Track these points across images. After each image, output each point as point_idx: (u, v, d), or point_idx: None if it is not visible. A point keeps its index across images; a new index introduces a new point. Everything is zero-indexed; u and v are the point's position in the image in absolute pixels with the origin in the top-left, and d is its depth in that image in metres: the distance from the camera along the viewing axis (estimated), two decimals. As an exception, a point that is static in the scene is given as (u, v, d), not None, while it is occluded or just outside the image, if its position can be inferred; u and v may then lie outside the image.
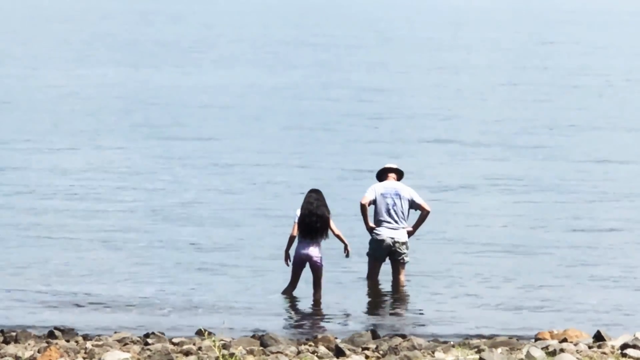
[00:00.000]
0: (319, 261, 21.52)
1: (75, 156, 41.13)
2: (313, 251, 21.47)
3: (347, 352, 17.41)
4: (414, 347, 17.77)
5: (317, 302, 21.56)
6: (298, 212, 21.72)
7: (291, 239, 21.70)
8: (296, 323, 20.86)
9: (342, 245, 22.06)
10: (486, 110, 58.61)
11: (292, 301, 22.10)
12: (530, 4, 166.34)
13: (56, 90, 61.97)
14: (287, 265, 21.94)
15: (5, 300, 22.21)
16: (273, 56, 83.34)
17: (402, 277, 22.11)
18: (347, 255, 22.10)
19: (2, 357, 16.93)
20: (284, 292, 21.98)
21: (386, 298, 22.10)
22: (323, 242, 21.94)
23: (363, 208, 22.04)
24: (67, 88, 63.62)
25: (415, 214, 22.91)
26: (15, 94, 59.10)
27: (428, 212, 22.41)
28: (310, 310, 21.51)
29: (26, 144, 44.30)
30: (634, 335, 18.01)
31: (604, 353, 17.34)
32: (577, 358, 16.90)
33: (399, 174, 22.72)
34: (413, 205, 22.24)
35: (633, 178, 41.32)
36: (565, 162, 44.51)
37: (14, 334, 18.85)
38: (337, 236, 21.90)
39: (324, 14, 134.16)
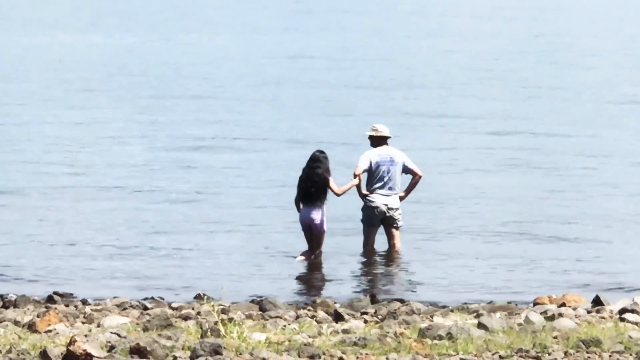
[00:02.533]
0: (319, 225, 21.73)
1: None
2: (314, 215, 21.70)
3: (346, 317, 17.36)
4: (412, 312, 17.73)
5: (316, 267, 21.59)
6: (303, 174, 22.20)
7: (297, 202, 22.11)
8: (295, 288, 20.84)
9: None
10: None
11: (292, 266, 22.03)
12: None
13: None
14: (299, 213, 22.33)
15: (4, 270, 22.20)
16: (286, 23, 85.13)
17: (398, 242, 22.32)
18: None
19: (1, 321, 16.71)
20: (301, 254, 22.29)
21: (383, 264, 22.15)
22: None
23: (356, 177, 22.22)
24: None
25: (406, 178, 23.06)
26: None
27: (420, 177, 22.68)
28: (309, 275, 21.48)
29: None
30: (633, 300, 18.26)
31: (603, 318, 17.32)
32: (575, 323, 16.66)
33: (387, 135, 22.79)
34: (405, 170, 22.43)
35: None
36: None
37: (13, 298, 18.62)
38: (341, 193, 22.41)
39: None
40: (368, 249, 22.22)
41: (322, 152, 21.92)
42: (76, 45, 65.47)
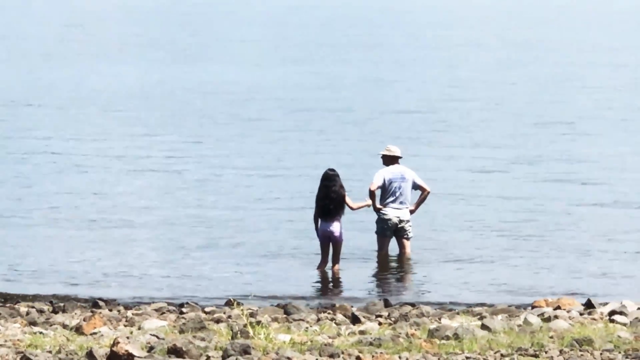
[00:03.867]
0: (338, 236, 21.83)
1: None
2: (333, 227, 21.72)
3: (362, 319, 17.51)
4: (422, 315, 17.96)
5: (335, 273, 21.78)
6: (321, 188, 22.17)
7: (315, 218, 21.94)
8: (316, 293, 21.06)
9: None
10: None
11: (315, 273, 22.20)
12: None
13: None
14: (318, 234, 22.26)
15: (52, 275, 21.88)
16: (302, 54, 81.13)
17: (408, 251, 22.45)
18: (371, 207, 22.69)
19: (51, 325, 16.94)
20: (318, 267, 22.23)
21: (396, 271, 22.27)
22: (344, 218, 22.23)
23: (372, 193, 22.32)
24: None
25: (415, 193, 23.14)
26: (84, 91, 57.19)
27: (428, 192, 22.82)
28: (329, 282, 21.60)
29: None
30: (621, 303, 18.26)
31: (594, 319, 17.41)
32: (569, 324, 16.83)
33: (399, 155, 22.93)
34: (415, 186, 22.59)
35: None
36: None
37: (62, 304, 18.79)
38: (357, 208, 22.39)
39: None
40: (382, 257, 22.30)
41: (333, 170, 21.95)
42: (121, 74, 64.36)
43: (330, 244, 21.76)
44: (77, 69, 69.35)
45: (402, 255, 22.25)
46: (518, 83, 61.24)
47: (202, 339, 15.01)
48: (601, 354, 14.12)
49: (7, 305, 18.69)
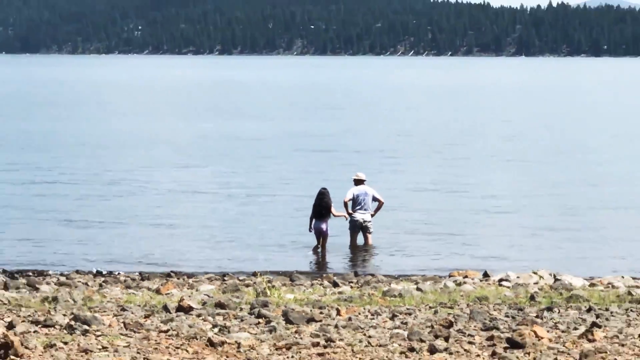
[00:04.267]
0: (326, 231, 22.32)
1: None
2: (323, 226, 22.30)
3: (340, 284, 17.79)
4: (378, 281, 18.51)
5: (323, 255, 22.10)
6: (315, 199, 22.52)
7: (311, 219, 22.33)
8: (311, 267, 21.27)
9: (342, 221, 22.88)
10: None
11: (310, 254, 22.21)
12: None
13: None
14: (310, 231, 22.37)
15: (141, 257, 21.74)
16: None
17: (370, 241, 22.48)
18: (347, 218, 22.60)
19: (140, 288, 17.41)
20: (312, 251, 22.36)
21: (362, 254, 22.11)
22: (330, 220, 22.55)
23: (345, 204, 22.40)
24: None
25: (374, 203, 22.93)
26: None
27: (383, 203, 22.74)
28: (319, 260, 21.89)
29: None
30: (506, 274, 18.33)
31: (489, 284, 17.69)
32: (473, 287, 17.11)
33: (364, 179, 22.87)
34: (374, 198, 22.53)
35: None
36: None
37: (147, 274, 19.12)
38: (337, 215, 22.57)
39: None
40: (352, 245, 22.34)
41: (325, 189, 22.61)
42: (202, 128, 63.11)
43: (320, 237, 22.17)
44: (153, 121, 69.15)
45: (366, 244, 22.20)
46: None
47: (237, 297, 15.55)
48: (493, 306, 14.30)
49: (112, 276, 18.99)
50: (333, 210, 22.37)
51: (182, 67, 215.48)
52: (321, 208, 22.18)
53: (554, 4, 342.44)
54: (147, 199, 30.03)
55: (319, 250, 22.26)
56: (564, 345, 10.98)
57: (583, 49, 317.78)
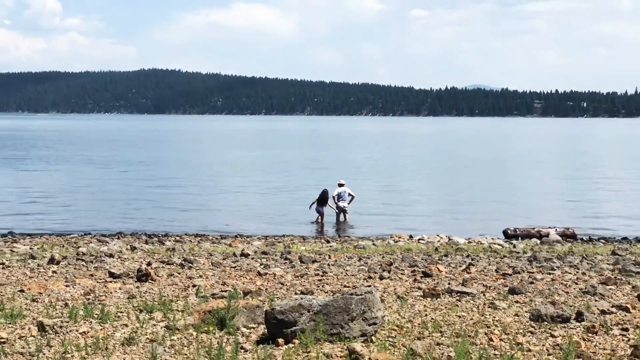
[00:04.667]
0: (324, 213, 21.82)
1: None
2: (323, 210, 21.84)
3: (331, 241, 17.38)
4: (352, 240, 17.91)
5: (322, 226, 21.37)
6: (316, 197, 22.09)
7: (313, 203, 21.94)
8: (314, 234, 20.03)
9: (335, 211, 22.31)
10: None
11: (314, 225, 21.56)
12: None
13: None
14: (309, 209, 21.92)
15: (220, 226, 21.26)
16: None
17: (347, 219, 21.80)
18: (333, 207, 21.98)
19: (219, 243, 17.14)
20: (315, 221, 21.68)
21: (342, 225, 21.40)
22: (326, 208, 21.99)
23: (333, 198, 22.00)
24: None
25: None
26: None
27: (354, 197, 22.09)
28: (319, 230, 21.02)
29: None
30: (422, 236, 18.11)
31: (412, 241, 17.24)
32: (403, 243, 16.80)
33: (344, 184, 22.50)
34: (349, 194, 21.96)
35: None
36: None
37: (225, 235, 18.99)
38: (330, 205, 22.03)
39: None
40: (337, 221, 21.70)
41: (326, 189, 22.01)
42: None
43: (320, 215, 21.73)
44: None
45: (345, 221, 21.53)
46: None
47: (273, 248, 15.61)
48: (415, 254, 14.45)
49: (204, 236, 18.61)
50: (329, 202, 21.96)
51: (245, 122, 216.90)
52: (323, 199, 21.76)
53: (448, 87, 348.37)
54: (225, 195, 29.29)
55: (319, 223, 21.59)
56: (453, 275, 11.20)
57: (465, 113, 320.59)
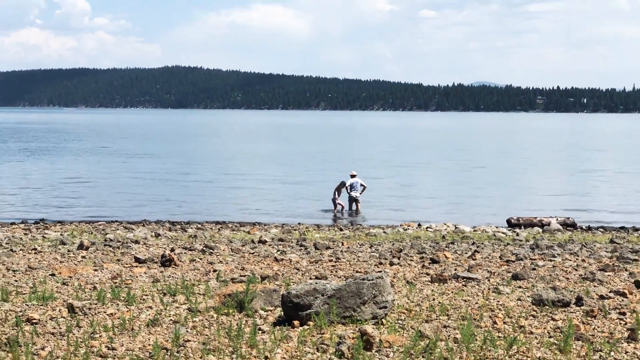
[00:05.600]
0: (340, 202, 21.55)
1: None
2: (339, 200, 21.52)
3: (343, 229, 17.25)
4: (363, 228, 17.76)
5: (336, 216, 21.05)
6: (336, 185, 21.77)
7: (334, 193, 21.59)
8: (329, 222, 19.83)
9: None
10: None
11: (329, 215, 21.31)
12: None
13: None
14: (332, 198, 21.65)
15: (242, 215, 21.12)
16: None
17: (359, 208, 21.53)
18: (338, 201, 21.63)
19: (239, 230, 16.99)
20: (334, 210, 21.47)
21: (354, 214, 21.22)
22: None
23: (346, 188, 21.61)
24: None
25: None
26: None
27: (366, 187, 21.84)
28: (333, 218, 20.82)
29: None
30: (430, 224, 18.10)
31: (421, 229, 17.06)
32: (412, 231, 16.68)
33: (356, 174, 22.16)
34: (362, 185, 21.71)
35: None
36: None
37: (243, 223, 18.73)
38: (334, 197, 21.73)
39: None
40: (349, 210, 21.42)
41: (344, 181, 21.63)
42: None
43: (340, 206, 21.42)
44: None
45: (357, 210, 21.31)
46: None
47: (290, 235, 15.59)
48: (423, 241, 14.36)
49: (225, 224, 18.51)
50: (343, 190, 21.65)
51: (263, 116, 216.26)
52: (338, 190, 21.40)
53: (455, 84, 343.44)
54: (245, 186, 29.04)
55: (340, 212, 21.25)
56: (459, 262, 11.11)
57: (471, 108, 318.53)
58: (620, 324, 6.64)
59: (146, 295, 7.83)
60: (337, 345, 5.70)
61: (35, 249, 11.71)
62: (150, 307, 7.19)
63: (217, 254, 11.71)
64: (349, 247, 12.75)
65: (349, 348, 5.62)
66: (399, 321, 6.68)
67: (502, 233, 16.16)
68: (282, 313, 6.68)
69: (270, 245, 13.16)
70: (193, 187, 28.47)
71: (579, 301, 7.45)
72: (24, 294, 7.82)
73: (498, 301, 7.62)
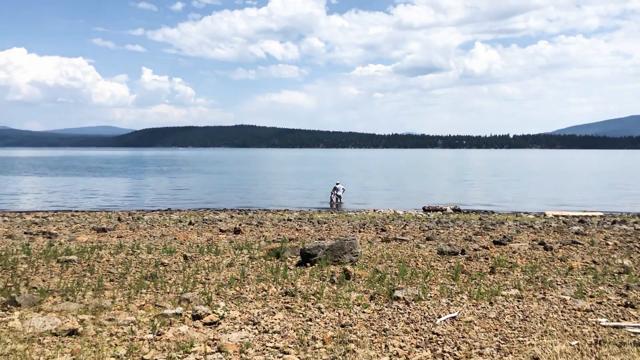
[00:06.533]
0: (336, 200, 19.79)
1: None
2: (333, 197, 19.66)
3: (332, 212, 15.62)
4: (343, 212, 15.77)
5: (331, 207, 19.13)
6: (331, 189, 20.37)
7: (331, 193, 19.88)
8: (326, 209, 18.34)
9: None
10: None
11: (326, 204, 19.87)
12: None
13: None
14: (331, 195, 19.36)
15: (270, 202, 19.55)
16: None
17: (342, 201, 19.64)
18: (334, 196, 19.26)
19: (276, 213, 15.29)
20: (330, 204, 19.02)
21: (339, 206, 19.61)
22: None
23: (335, 189, 19.93)
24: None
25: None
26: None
27: (344, 189, 19.72)
28: (329, 208, 19.27)
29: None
30: (380, 210, 16.69)
31: (375, 213, 15.21)
32: (372, 213, 15.02)
33: (339, 182, 20.75)
34: (343, 189, 20.10)
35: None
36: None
37: (280, 210, 16.89)
38: (331, 196, 20.24)
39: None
40: (336, 203, 19.57)
41: (338, 182, 19.79)
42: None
43: (332, 201, 19.87)
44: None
45: (340, 202, 19.40)
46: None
47: (303, 216, 14.31)
48: (377, 219, 13.38)
49: (266, 210, 17.10)
50: (337, 191, 19.84)
51: (288, 152, 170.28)
52: (335, 189, 19.66)
53: (392, 133, 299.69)
54: (281, 187, 27.49)
55: (333, 205, 19.41)
56: (397, 230, 10.54)
57: (402, 147, 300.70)
58: (485, 264, 6.70)
59: (225, 249, 7.81)
60: (331, 276, 5.82)
61: (165, 225, 11.52)
62: (228, 256, 7.19)
63: (264, 226, 11.40)
64: (336, 222, 12.20)
65: (337, 278, 5.72)
66: (365, 263, 6.65)
67: (421, 215, 15.78)
68: (301, 259, 6.70)
69: (293, 221, 12.53)
70: (250, 189, 26.79)
71: (462, 252, 7.47)
72: (159, 249, 7.86)
73: (419, 252, 7.59)
